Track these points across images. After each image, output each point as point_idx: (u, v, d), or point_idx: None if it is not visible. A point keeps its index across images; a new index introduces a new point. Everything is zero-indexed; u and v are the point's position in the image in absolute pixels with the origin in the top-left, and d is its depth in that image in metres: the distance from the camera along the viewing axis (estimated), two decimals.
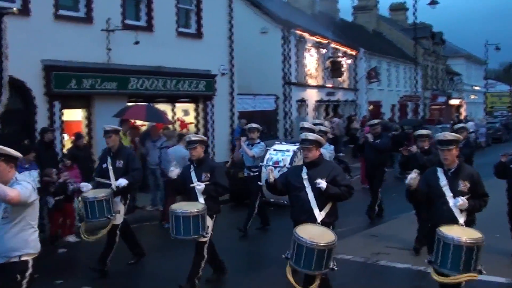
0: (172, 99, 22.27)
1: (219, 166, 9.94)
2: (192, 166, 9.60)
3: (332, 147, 13.46)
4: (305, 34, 34.79)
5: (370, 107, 45.97)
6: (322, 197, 7.91)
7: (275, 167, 11.93)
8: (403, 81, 54.41)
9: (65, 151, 16.55)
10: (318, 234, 7.48)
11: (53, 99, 17.27)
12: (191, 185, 9.37)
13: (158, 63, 20.49)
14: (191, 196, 9.43)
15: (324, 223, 7.86)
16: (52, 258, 11.79)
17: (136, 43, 19.06)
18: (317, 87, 36.76)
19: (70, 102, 18.17)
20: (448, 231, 7.08)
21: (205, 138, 10.00)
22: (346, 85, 41.90)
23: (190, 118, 23.34)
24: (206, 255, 9.36)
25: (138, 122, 19.03)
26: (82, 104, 18.74)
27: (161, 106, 20.68)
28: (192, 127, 22.95)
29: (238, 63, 25.19)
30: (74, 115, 18.84)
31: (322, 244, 7.26)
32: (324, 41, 37.34)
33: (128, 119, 17.09)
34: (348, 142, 32.91)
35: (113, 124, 16.35)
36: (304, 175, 8.09)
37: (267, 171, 8.75)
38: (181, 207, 9.11)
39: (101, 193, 10.28)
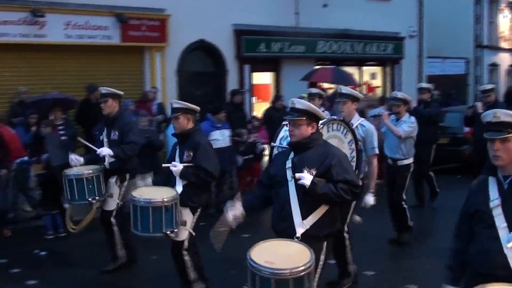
0: (359, 62, 21.68)
1: (208, 143, 7.29)
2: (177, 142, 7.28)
3: (413, 118, 9.94)
4: None
5: None
6: (308, 197, 5.09)
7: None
8: None
9: (254, 112, 16.65)
10: (285, 255, 4.61)
11: (243, 62, 17.57)
12: (164, 165, 7.16)
13: (346, 26, 19.92)
14: (171, 180, 7.08)
15: (309, 237, 5.00)
16: None
17: (325, 6, 18.73)
18: (511, 50, 34.27)
19: (259, 65, 18.35)
20: None
21: (193, 106, 7.17)
22: None
23: (377, 82, 22.62)
24: (189, 259, 6.95)
25: (325, 85, 18.67)
26: (271, 67, 18.84)
27: (348, 70, 20.10)
28: (379, 91, 22.25)
29: (427, 25, 23.80)
30: (262, 78, 19.09)
31: (283, 273, 4.35)
32: None
33: (315, 82, 16.81)
34: None
35: (301, 88, 16.32)
36: (289, 163, 5.32)
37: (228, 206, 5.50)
38: (144, 194, 6.65)
39: (87, 169, 7.94)
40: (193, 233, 6.89)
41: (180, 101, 7.30)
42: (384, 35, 21.50)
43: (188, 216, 6.87)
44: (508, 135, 4.13)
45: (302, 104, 5.29)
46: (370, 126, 7.67)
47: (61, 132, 11.93)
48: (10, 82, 13.57)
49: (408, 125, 9.74)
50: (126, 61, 15.41)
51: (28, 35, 13.61)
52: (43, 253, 9.62)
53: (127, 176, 8.35)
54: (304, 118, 5.22)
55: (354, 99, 7.74)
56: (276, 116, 14.38)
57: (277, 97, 15.42)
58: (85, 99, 13.69)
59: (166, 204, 6.42)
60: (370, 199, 7.54)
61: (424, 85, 13.07)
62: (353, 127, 7.06)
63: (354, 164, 6.71)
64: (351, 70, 20.73)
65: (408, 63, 22.93)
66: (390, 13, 21.62)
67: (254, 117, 14.68)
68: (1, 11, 13.25)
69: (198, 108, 7.25)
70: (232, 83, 17.04)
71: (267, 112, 14.78)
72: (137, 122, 9.73)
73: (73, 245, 9.80)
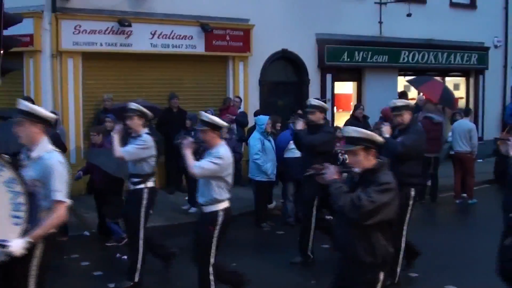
0: (443, 73, 20.25)
1: None
2: None
3: (147, 137, 7.56)
4: None
5: None
6: None
7: None
8: None
9: (336, 123, 15.70)
10: None
11: (325, 71, 16.82)
12: None
13: (430, 35, 18.72)
14: None
15: None
16: None
17: (409, 15, 17.64)
18: None
19: (341, 75, 17.58)
20: None
21: None
22: None
23: (461, 93, 21.10)
24: None
25: (411, 95, 17.43)
26: (353, 77, 18.06)
27: None
28: (461, 102, 20.85)
29: None
30: (344, 87, 18.29)
31: None
32: None
33: (422, 93, 15.29)
34: None
35: (384, 98, 15.11)
36: None
37: None
38: None
39: None
40: None
41: None
42: (468, 45, 20.10)
43: None
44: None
45: None
46: (51, 161, 4.90)
47: None
48: (96, 90, 13.21)
49: (135, 145, 7.30)
50: (210, 70, 14.86)
51: (114, 44, 13.22)
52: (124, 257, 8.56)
53: None
54: None
55: (35, 119, 4.97)
56: (358, 126, 13.37)
57: (357, 106, 14.49)
58: (167, 108, 13.28)
59: None
60: (17, 246, 4.55)
61: (314, 101, 8.61)
62: (32, 159, 4.95)
63: (23, 215, 4.61)
64: None
65: (492, 74, 21.26)
66: (475, 23, 20.18)
67: (337, 127, 13.73)
68: (89, 20, 12.91)
69: None
70: (314, 92, 16.21)
71: (348, 122, 13.80)
72: None
73: None
